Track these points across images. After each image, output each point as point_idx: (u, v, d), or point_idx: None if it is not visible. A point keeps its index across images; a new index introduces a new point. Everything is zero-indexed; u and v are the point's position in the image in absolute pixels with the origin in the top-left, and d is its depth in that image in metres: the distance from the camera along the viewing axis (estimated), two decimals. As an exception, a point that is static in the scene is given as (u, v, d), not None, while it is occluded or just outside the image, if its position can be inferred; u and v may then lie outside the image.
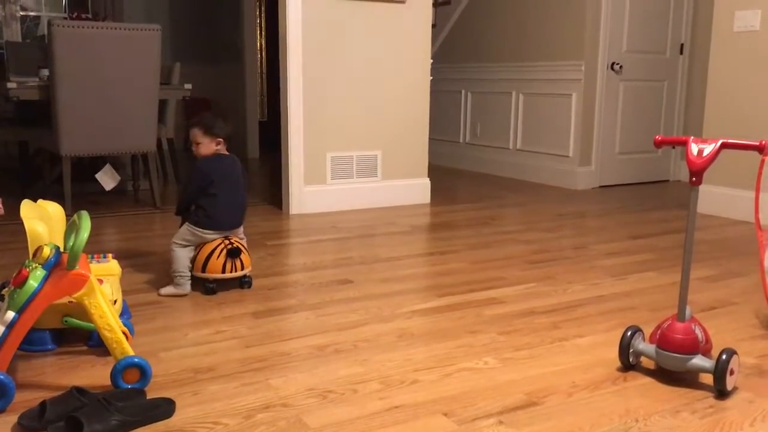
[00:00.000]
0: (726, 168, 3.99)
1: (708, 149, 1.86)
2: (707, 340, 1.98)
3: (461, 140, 6.49)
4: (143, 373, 1.83)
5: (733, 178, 4.19)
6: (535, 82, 5.66)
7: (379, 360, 2.08)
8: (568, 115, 5.40)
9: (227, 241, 2.71)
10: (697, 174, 1.86)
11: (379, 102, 4.50)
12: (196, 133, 2.71)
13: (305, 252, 3.45)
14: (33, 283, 1.72)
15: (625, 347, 2.01)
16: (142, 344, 2.12)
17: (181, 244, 2.67)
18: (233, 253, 2.70)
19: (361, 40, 4.38)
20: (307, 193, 4.35)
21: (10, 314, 1.70)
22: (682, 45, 5.67)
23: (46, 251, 1.77)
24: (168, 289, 2.66)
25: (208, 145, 2.72)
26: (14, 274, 1.78)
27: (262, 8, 7.78)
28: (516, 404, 1.81)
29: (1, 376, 1.69)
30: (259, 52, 7.69)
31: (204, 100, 7.46)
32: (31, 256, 1.86)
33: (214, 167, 2.71)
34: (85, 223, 1.79)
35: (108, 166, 4.38)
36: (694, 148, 1.88)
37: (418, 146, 4.70)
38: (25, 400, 1.74)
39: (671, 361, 1.92)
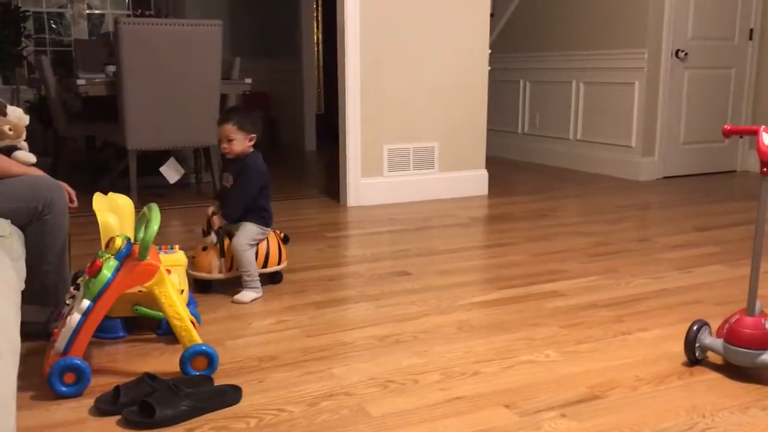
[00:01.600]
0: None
1: (781, 138, 1.80)
2: (779, 336, 1.92)
3: (520, 131, 6.42)
4: (210, 360, 1.89)
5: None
6: (596, 71, 5.55)
7: (439, 351, 2.09)
8: (631, 104, 5.27)
9: (276, 231, 2.77)
10: (769, 164, 1.80)
11: (436, 93, 4.49)
12: (229, 130, 2.55)
13: (363, 244, 3.48)
14: (107, 272, 1.79)
15: (691, 341, 1.97)
16: (208, 333, 2.18)
17: (251, 246, 2.57)
18: (287, 239, 2.79)
19: (418, 32, 4.37)
20: (364, 185, 4.38)
21: (86, 302, 1.78)
22: (751, 30, 5.46)
23: (119, 242, 1.84)
24: (248, 295, 2.54)
25: (242, 142, 2.57)
26: (88, 264, 1.85)
27: (320, 2, 7.84)
28: (579, 397, 1.79)
29: (78, 361, 1.76)
30: (316, 45, 7.76)
31: (262, 93, 7.57)
32: (103, 246, 1.94)
33: (265, 166, 2.65)
34: (155, 215, 1.85)
35: (172, 160, 4.50)
36: (766, 138, 1.82)
37: (476, 137, 4.67)
38: (100, 384, 1.82)
39: (740, 357, 1.87)
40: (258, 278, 2.58)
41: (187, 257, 2.56)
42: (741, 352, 1.87)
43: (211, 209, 2.69)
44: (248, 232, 2.59)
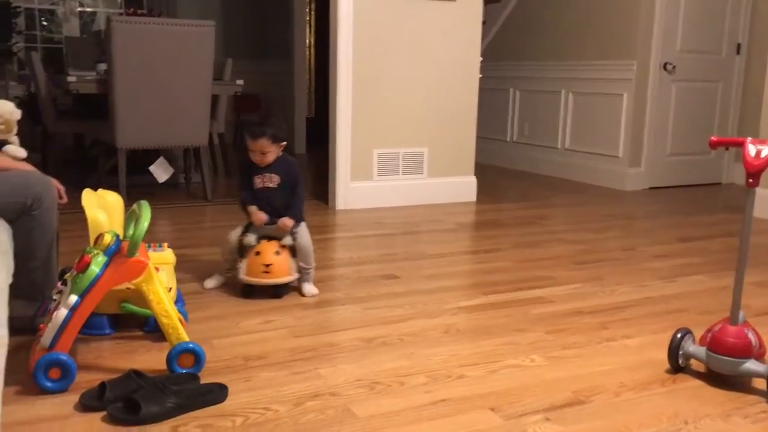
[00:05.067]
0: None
1: (766, 150, 1.83)
2: (761, 345, 1.95)
3: (509, 139, 6.46)
4: (197, 358, 1.89)
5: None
6: (585, 81, 5.60)
7: (425, 354, 2.10)
8: (619, 115, 5.32)
9: None
10: (754, 175, 1.83)
11: (427, 99, 4.51)
12: (264, 144, 2.59)
13: (351, 247, 3.49)
14: (95, 268, 1.79)
15: (674, 349, 1.99)
16: (195, 331, 2.18)
17: None
18: None
19: (410, 38, 4.39)
20: (354, 189, 4.38)
21: (73, 297, 1.77)
22: (739, 45, 5.53)
23: (107, 238, 1.84)
24: (313, 286, 2.71)
25: (275, 152, 2.64)
26: (76, 260, 1.85)
27: (312, 5, 7.85)
28: (563, 402, 1.81)
29: (64, 357, 1.76)
30: (308, 48, 7.77)
31: (254, 95, 7.56)
32: (92, 243, 1.94)
33: None
34: (146, 212, 1.85)
35: (162, 159, 4.49)
36: (751, 149, 1.85)
37: (466, 144, 4.70)
38: (85, 380, 1.81)
39: (723, 365, 1.90)
40: None
41: (258, 265, 2.53)
42: (724, 360, 1.89)
43: (261, 214, 2.63)
44: (307, 230, 2.73)
